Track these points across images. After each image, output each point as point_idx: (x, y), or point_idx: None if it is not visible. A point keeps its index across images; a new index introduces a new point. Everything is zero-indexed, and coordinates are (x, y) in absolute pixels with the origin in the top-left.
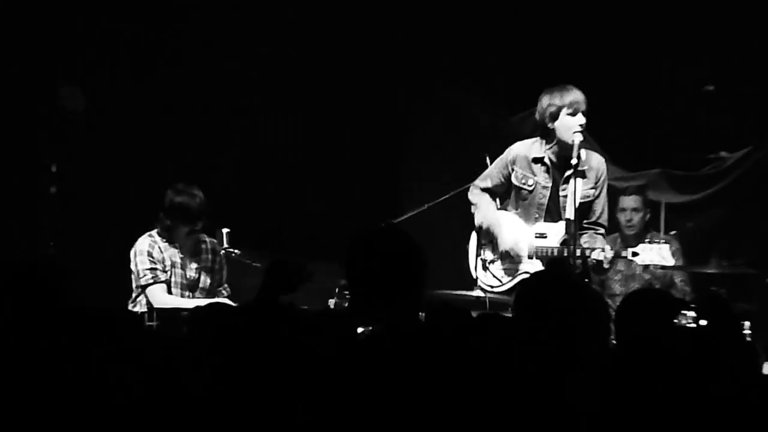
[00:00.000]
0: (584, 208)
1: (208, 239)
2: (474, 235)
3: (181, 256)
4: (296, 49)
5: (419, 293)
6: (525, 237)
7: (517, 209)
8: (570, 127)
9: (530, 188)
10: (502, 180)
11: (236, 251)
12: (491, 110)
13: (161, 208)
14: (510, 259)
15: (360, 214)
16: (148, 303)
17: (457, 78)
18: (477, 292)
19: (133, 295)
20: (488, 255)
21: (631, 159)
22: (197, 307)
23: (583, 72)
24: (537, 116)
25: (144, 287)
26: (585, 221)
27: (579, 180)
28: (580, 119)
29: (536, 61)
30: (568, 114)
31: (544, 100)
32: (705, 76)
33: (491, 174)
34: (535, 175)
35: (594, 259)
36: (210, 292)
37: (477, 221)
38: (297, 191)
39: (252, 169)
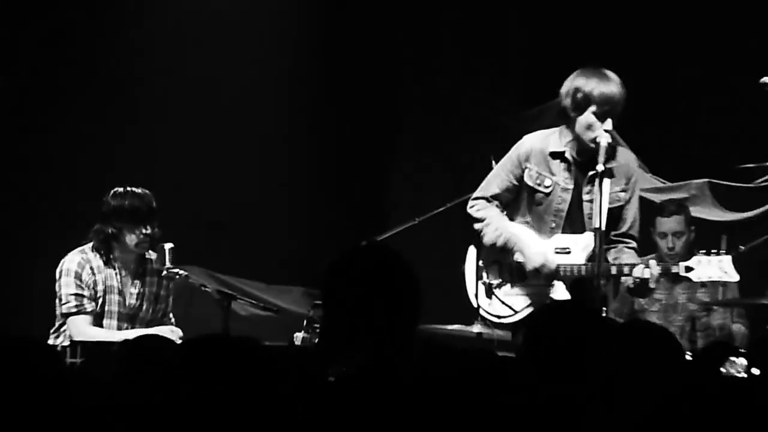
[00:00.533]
0: (612, 216)
1: (153, 256)
2: (471, 255)
3: (121, 277)
4: (266, 45)
5: (410, 328)
6: (543, 252)
7: (527, 217)
8: (590, 128)
9: (547, 190)
10: (513, 183)
11: (181, 272)
12: (497, 105)
13: (98, 217)
14: (534, 282)
15: (338, 230)
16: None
17: (458, 67)
18: (477, 327)
19: (56, 323)
20: (493, 279)
21: (669, 167)
22: (126, 341)
23: (611, 60)
24: (561, 98)
25: (66, 316)
26: (613, 233)
27: (606, 180)
28: (606, 125)
29: (555, 46)
30: (594, 112)
31: (575, 81)
32: (761, 71)
33: (497, 177)
34: (553, 174)
35: (637, 278)
36: (152, 323)
37: (489, 239)
38: (260, 202)
39: (201, 173)
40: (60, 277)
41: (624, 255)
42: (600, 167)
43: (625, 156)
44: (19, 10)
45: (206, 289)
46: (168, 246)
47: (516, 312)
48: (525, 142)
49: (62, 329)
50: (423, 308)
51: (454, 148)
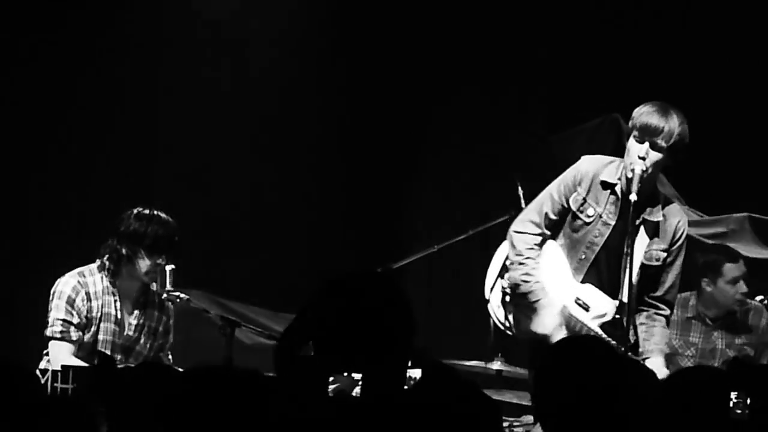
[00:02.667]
0: (648, 276)
1: (155, 287)
2: (500, 252)
3: (120, 305)
4: (283, 64)
5: (399, 364)
6: (563, 295)
7: (561, 240)
8: (629, 153)
9: (588, 219)
10: (564, 205)
11: (182, 295)
12: (524, 126)
13: (113, 233)
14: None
15: (352, 257)
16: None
17: (482, 86)
18: (497, 365)
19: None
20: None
21: (708, 199)
22: (127, 368)
23: (646, 82)
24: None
25: (48, 339)
26: (647, 295)
27: (643, 234)
28: (641, 149)
29: (584, 66)
30: (635, 136)
31: (635, 111)
32: None
33: (550, 199)
34: (599, 205)
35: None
36: (147, 359)
37: (513, 279)
38: (270, 225)
39: (209, 196)
40: (52, 299)
41: (648, 324)
42: (633, 197)
43: (678, 216)
44: (23, 13)
45: (209, 314)
46: (169, 268)
47: (512, 333)
48: (583, 162)
49: None
50: (409, 341)
51: (477, 171)
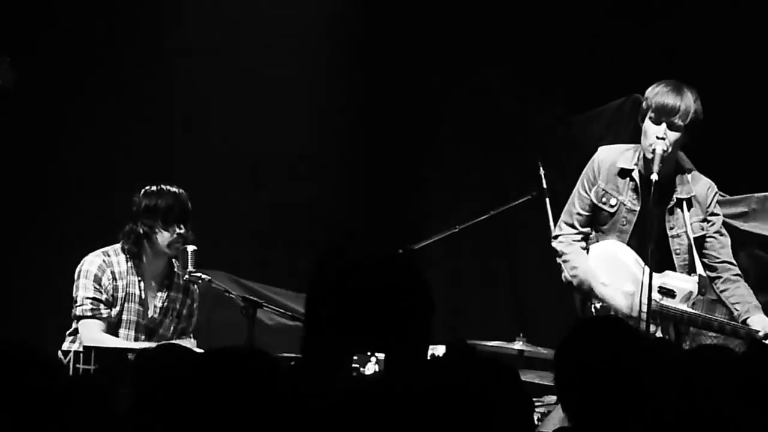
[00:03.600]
0: (701, 246)
1: (181, 272)
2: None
3: (145, 286)
4: (300, 49)
5: (419, 346)
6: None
7: (592, 236)
8: (646, 135)
9: (612, 210)
10: (590, 198)
11: (204, 276)
12: (545, 107)
13: (128, 217)
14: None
15: (370, 236)
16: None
17: (502, 67)
18: (519, 344)
19: (73, 326)
20: (598, 304)
21: (730, 179)
22: (145, 350)
23: (666, 62)
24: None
25: (78, 318)
26: (707, 261)
27: (682, 211)
28: (659, 130)
29: (604, 48)
30: (651, 118)
31: (648, 91)
32: None
33: (578, 196)
34: (620, 193)
35: (751, 332)
36: (169, 341)
37: (568, 276)
38: (291, 208)
39: (229, 177)
40: (78, 278)
41: (731, 286)
42: (654, 177)
43: (701, 184)
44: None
45: (230, 295)
46: (191, 248)
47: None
48: (599, 153)
49: (78, 333)
50: (437, 321)
51: (498, 152)
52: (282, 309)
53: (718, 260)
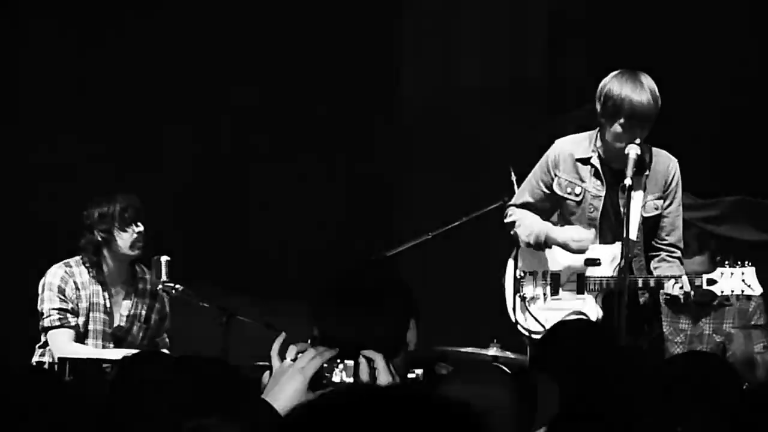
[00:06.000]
0: (651, 225)
1: (148, 277)
2: (510, 266)
3: (109, 295)
4: (276, 49)
5: (403, 349)
6: (572, 267)
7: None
8: (619, 139)
9: (578, 198)
10: (543, 190)
11: (178, 286)
12: (516, 113)
13: (84, 227)
14: (566, 293)
15: (347, 246)
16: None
17: (476, 74)
18: (493, 350)
19: (42, 339)
20: (528, 291)
21: (701, 182)
22: (126, 358)
23: (639, 66)
24: (596, 102)
25: (47, 330)
26: (654, 241)
27: (639, 192)
28: (629, 134)
29: (578, 52)
30: (622, 124)
31: (608, 86)
32: None
33: (529, 184)
34: (583, 181)
35: (666, 294)
36: (139, 348)
37: (522, 236)
38: (265, 216)
39: (204, 185)
40: (42, 291)
41: (664, 265)
42: (628, 181)
43: (665, 161)
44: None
45: (205, 305)
46: (164, 259)
47: (545, 328)
48: (555, 146)
49: (48, 347)
50: (418, 329)
51: (469, 158)
52: (256, 318)
53: (664, 242)
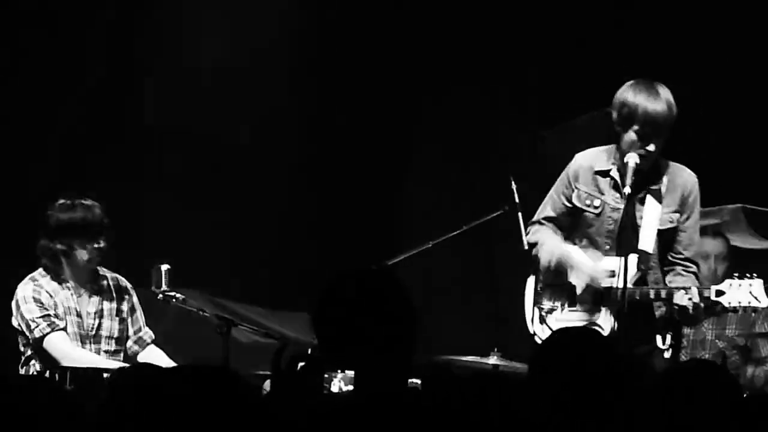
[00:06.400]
0: (667, 238)
1: (109, 274)
2: (531, 280)
3: (77, 297)
4: (272, 55)
5: (404, 355)
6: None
7: (581, 242)
8: (631, 147)
9: (597, 210)
10: (565, 204)
11: (178, 295)
12: (516, 122)
13: (44, 233)
14: (582, 307)
15: (347, 254)
16: (46, 362)
17: (473, 82)
18: (494, 359)
19: (23, 359)
20: (546, 304)
21: (701, 190)
22: (121, 370)
23: (637, 75)
24: (612, 111)
25: (40, 339)
26: (670, 255)
27: (655, 202)
28: (648, 147)
29: (575, 62)
30: (637, 131)
31: (624, 94)
32: None
33: (551, 198)
34: (602, 194)
35: (676, 305)
36: (122, 341)
37: (543, 260)
38: (265, 224)
39: (202, 193)
40: (19, 307)
41: (679, 279)
42: (627, 189)
43: (684, 176)
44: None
45: (204, 314)
46: (164, 267)
47: None
48: (576, 160)
49: (31, 362)
50: (419, 337)
51: (470, 167)
52: (256, 327)
53: (680, 256)
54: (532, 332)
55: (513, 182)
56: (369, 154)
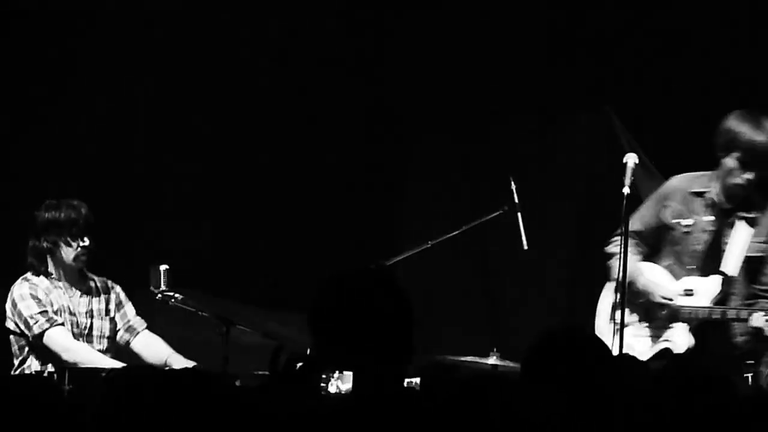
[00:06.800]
0: (754, 267)
1: (96, 277)
2: (607, 290)
3: (69, 296)
4: (273, 57)
5: (402, 355)
6: (671, 295)
7: (668, 260)
8: (731, 174)
9: (687, 229)
10: (655, 221)
11: (177, 295)
12: (516, 120)
13: (32, 232)
14: (655, 324)
15: (346, 255)
16: (46, 359)
17: (474, 81)
18: (493, 359)
19: (17, 360)
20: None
21: None
22: (114, 371)
23: (637, 72)
24: (717, 137)
25: (40, 336)
26: (754, 286)
27: (744, 226)
28: (742, 170)
29: (572, 59)
30: (738, 158)
31: (728, 122)
32: None
33: (640, 214)
34: (695, 214)
35: (752, 327)
36: (113, 339)
37: (614, 276)
38: (264, 225)
39: (203, 194)
40: (16, 306)
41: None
42: (626, 190)
43: None
44: None
45: (203, 314)
46: (163, 267)
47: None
48: (672, 181)
49: (26, 364)
50: (417, 338)
51: (469, 167)
52: (255, 327)
53: (760, 287)
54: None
55: (512, 182)
56: (368, 153)
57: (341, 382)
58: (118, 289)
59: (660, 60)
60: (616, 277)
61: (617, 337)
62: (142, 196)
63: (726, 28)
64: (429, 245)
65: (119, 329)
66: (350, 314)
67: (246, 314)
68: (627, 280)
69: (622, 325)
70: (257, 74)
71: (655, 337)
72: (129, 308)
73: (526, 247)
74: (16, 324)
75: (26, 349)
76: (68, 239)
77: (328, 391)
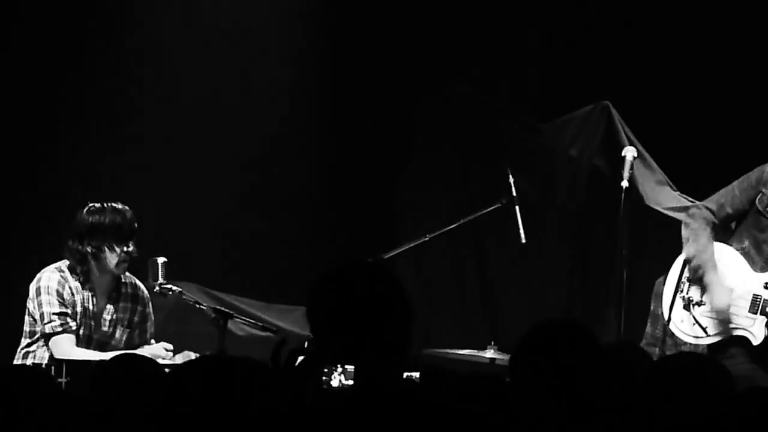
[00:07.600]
0: None
1: (128, 280)
2: (678, 263)
3: (96, 301)
4: (271, 54)
5: (400, 349)
6: (748, 285)
7: (744, 243)
8: None
9: None
10: (743, 203)
11: (175, 288)
12: (514, 115)
13: (72, 235)
14: (741, 301)
15: (344, 247)
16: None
17: (471, 73)
18: (490, 353)
19: (26, 341)
20: (694, 294)
21: (700, 186)
22: (102, 362)
23: (635, 69)
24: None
25: (49, 336)
26: None
27: None
28: None
29: (573, 55)
30: None
31: None
32: None
33: (730, 193)
34: None
35: None
36: (131, 350)
37: (688, 254)
38: (263, 219)
39: (200, 187)
40: (39, 294)
41: None
42: (624, 183)
43: None
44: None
45: (201, 306)
46: (161, 260)
47: (708, 335)
48: (765, 166)
49: (32, 348)
50: (415, 331)
51: (467, 160)
52: (253, 320)
53: None
54: (666, 318)
55: (510, 176)
56: (366, 147)
57: (344, 377)
58: (147, 300)
59: (659, 54)
60: (683, 257)
61: (688, 311)
62: (140, 189)
63: (725, 23)
64: (427, 238)
65: (134, 342)
66: (348, 308)
67: (243, 307)
68: (696, 263)
69: (621, 316)
70: (254, 70)
71: (734, 324)
72: (150, 326)
73: (524, 240)
74: (35, 309)
75: (38, 336)
76: (113, 245)
77: (330, 385)
